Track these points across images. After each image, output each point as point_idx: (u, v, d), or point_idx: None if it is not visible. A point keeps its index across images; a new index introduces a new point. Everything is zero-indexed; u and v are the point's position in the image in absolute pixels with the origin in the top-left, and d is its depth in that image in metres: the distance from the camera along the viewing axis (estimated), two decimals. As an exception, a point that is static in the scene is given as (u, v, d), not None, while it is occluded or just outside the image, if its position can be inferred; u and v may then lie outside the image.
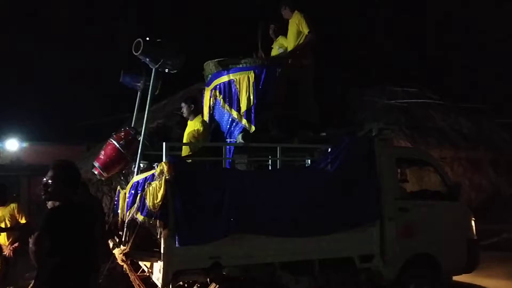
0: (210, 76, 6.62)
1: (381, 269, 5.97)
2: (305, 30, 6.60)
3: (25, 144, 15.38)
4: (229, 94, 6.19)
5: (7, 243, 6.51)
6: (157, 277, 5.36)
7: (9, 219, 6.54)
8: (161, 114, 10.89)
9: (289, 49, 6.95)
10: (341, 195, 5.74)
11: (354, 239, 5.78)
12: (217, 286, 5.34)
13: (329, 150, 5.98)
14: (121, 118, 11.78)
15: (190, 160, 5.76)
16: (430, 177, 9.60)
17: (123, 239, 5.45)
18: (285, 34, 7.23)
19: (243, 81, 6.05)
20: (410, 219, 6.19)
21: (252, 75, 6.02)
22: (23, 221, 6.56)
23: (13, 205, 6.63)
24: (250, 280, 5.60)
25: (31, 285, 4.63)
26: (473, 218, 6.81)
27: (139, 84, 6.44)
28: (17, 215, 6.57)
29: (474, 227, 6.77)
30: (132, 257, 5.38)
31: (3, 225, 6.51)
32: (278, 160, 5.89)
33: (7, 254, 6.48)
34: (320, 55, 6.98)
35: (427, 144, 12.00)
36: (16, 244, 6.51)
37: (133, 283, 5.64)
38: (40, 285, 3.53)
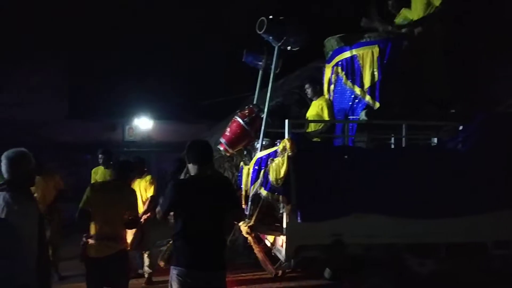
0: (331, 52, 6.51)
1: (519, 257, 5.49)
2: (437, 2, 6.11)
3: (153, 122, 16.59)
4: (351, 70, 6.04)
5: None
6: (279, 251, 5.50)
7: (144, 190, 7.10)
8: (279, 92, 10.98)
9: (414, 17, 6.54)
10: (474, 177, 5.34)
11: (489, 223, 5.35)
12: (338, 263, 5.35)
13: (461, 128, 5.58)
14: (241, 97, 12.14)
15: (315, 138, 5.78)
16: None
17: (247, 213, 5.66)
18: (407, 5, 6.79)
19: (366, 56, 5.86)
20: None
21: (376, 49, 5.80)
22: (151, 193, 7.03)
23: (147, 177, 7.18)
24: (372, 259, 5.51)
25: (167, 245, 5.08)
26: None
27: (261, 62, 6.57)
28: (148, 187, 7.07)
29: None
30: (256, 231, 5.57)
31: (138, 195, 7.05)
32: (403, 139, 5.66)
33: (142, 223, 7.00)
34: (451, 24, 6.45)
35: None
36: (148, 214, 6.97)
37: (257, 255, 5.85)
38: (173, 248, 3.86)
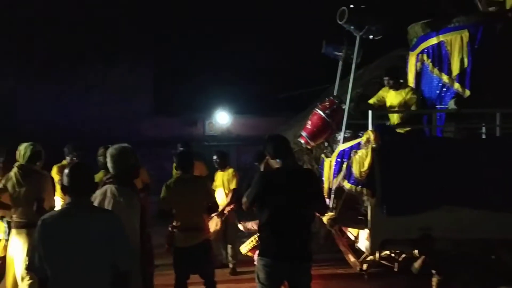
0: (415, 39, 6.27)
1: None
2: None
3: (231, 117, 16.94)
4: (438, 57, 5.78)
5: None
6: (364, 244, 5.41)
7: (227, 182, 7.26)
8: (358, 83, 10.71)
9: (508, 2, 6.11)
10: None
11: None
12: (426, 258, 5.15)
13: None
14: (319, 89, 12.03)
15: (402, 129, 5.59)
16: None
17: (330, 206, 5.62)
18: None
19: (455, 42, 5.56)
20: None
21: (466, 34, 5.49)
22: (233, 185, 7.15)
23: (230, 170, 7.33)
24: (463, 256, 5.25)
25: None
26: None
27: (340, 53, 6.45)
28: (231, 180, 7.21)
29: None
30: (339, 223, 5.52)
31: (221, 188, 7.22)
32: (496, 128, 5.31)
33: (226, 214, 7.15)
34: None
35: None
36: (231, 206, 7.11)
37: (340, 247, 5.81)
38: (259, 238, 3.98)
